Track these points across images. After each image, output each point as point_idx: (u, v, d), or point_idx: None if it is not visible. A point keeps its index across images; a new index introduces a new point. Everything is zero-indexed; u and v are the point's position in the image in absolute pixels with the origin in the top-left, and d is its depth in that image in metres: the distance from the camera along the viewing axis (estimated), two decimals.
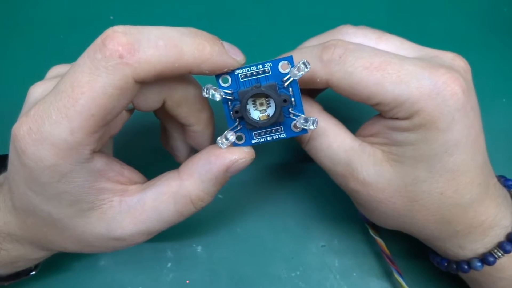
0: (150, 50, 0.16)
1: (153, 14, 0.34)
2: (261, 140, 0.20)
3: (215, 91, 0.18)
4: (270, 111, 0.19)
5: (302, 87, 0.20)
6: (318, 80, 0.20)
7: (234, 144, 0.20)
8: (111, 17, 0.34)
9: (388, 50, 0.20)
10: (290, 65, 0.19)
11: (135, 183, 0.20)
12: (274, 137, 0.20)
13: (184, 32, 0.17)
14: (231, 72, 0.19)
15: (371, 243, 0.27)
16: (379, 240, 0.25)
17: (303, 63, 0.18)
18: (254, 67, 0.19)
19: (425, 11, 0.34)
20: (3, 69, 0.32)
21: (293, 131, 0.20)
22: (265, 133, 0.20)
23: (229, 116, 0.19)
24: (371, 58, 0.19)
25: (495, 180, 0.21)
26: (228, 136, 0.19)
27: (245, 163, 0.19)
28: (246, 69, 0.19)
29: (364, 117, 0.23)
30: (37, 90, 0.19)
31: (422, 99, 0.18)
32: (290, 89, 0.19)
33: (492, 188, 0.21)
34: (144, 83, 0.17)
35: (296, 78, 0.18)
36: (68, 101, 0.16)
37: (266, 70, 0.19)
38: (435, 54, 0.20)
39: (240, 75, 0.19)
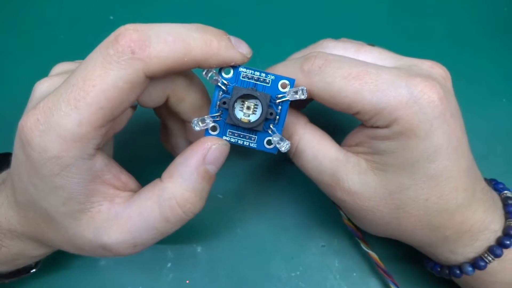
0: (160, 45, 0.17)
1: (153, 15, 0.34)
2: (232, 140, 0.20)
3: (215, 75, 0.19)
4: (253, 117, 0.20)
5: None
6: None
7: (206, 133, 0.20)
8: (111, 17, 0.34)
9: (367, 61, 0.20)
10: (289, 87, 0.19)
11: (129, 190, 0.20)
12: (245, 143, 0.20)
13: (191, 27, 0.18)
14: (236, 67, 0.19)
15: (370, 243, 0.27)
16: (372, 254, 0.25)
17: (302, 89, 0.19)
18: (258, 73, 0.20)
19: (425, 11, 0.34)
20: (3, 69, 0.32)
21: (264, 146, 0.20)
22: (239, 135, 0.20)
23: (215, 105, 0.20)
24: (349, 68, 0.19)
25: (483, 184, 0.21)
26: (205, 120, 0.19)
27: (220, 150, 0.19)
28: (250, 71, 0.19)
29: (350, 128, 0.23)
30: (43, 85, 0.20)
31: (399, 107, 0.18)
32: (280, 107, 0.20)
33: (480, 192, 0.21)
34: (154, 78, 0.18)
35: (290, 99, 0.19)
36: (78, 93, 0.16)
37: (267, 81, 0.20)
38: (414, 63, 0.21)
39: (242, 73, 0.20)
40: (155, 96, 0.19)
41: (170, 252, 0.27)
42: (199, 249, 0.27)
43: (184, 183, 0.19)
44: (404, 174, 0.19)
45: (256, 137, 0.20)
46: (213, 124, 0.20)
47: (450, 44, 0.33)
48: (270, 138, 0.20)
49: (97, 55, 0.17)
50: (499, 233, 0.21)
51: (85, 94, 0.16)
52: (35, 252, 0.22)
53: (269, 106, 0.20)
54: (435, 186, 0.19)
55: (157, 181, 0.20)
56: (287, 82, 0.19)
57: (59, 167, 0.17)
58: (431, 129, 0.18)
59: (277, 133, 0.20)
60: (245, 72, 0.19)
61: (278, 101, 0.20)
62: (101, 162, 0.18)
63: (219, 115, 0.20)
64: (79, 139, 0.17)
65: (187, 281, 0.26)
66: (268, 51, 0.32)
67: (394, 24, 0.34)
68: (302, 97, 0.19)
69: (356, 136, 0.21)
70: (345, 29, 0.34)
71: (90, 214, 0.19)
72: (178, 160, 0.19)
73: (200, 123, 0.19)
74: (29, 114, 0.17)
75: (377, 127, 0.19)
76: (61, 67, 0.22)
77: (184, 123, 0.22)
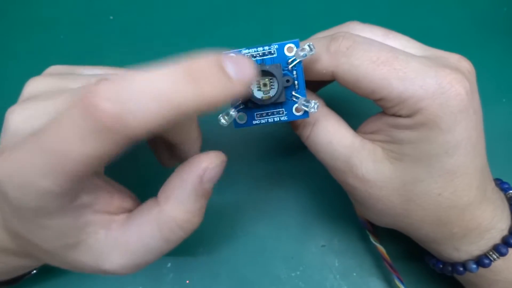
0: (141, 113, 0.14)
1: (153, 14, 0.34)
2: (262, 121, 0.20)
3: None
4: (273, 92, 0.19)
5: (308, 79, 0.20)
6: (324, 71, 0.20)
7: (235, 124, 0.20)
8: (111, 17, 0.34)
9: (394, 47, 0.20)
10: (295, 48, 0.19)
11: (124, 211, 0.19)
12: (276, 119, 0.20)
13: (177, 77, 0.14)
14: (237, 52, 0.19)
15: (371, 243, 0.27)
16: (380, 247, 0.25)
17: (308, 45, 0.18)
18: (261, 48, 0.19)
19: (425, 11, 0.34)
20: (3, 70, 0.32)
21: (295, 115, 0.20)
22: (267, 114, 0.20)
23: None
24: (378, 52, 0.19)
25: (494, 184, 0.21)
26: (230, 112, 0.19)
27: (218, 169, 0.18)
28: (253, 49, 0.19)
29: (366, 114, 0.23)
30: (16, 118, 0.18)
31: (426, 97, 0.18)
32: (294, 72, 0.19)
33: (490, 192, 0.21)
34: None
35: (300, 59, 0.19)
36: (54, 160, 0.14)
37: (272, 52, 0.19)
38: (441, 55, 0.20)
39: (247, 55, 0.19)
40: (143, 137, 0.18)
41: (170, 252, 0.27)
42: (199, 249, 0.27)
43: (182, 205, 0.18)
44: (420, 166, 0.19)
45: (283, 109, 0.20)
46: (238, 114, 0.20)
47: (450, 44, 0.33)
48: (298, 105, 0.20)
49: (70, 123, 0.14)
50: (505, 232, 0.21)
51: (63, 163, 0.14)
52: (34, 263, 0.21)
53: (284, 74, 0.19)
54: (449, 181, 0.19)
55: (153, 203, 0.18)
56: (291, 45, 0.19)
57: (42, 213, 0.16)
58: (455, 123, 0.18)
59: (301, 97, 0.19)
60: (249, 53, 0.19)
61: (290, 66, 0.19)
62: (89, 197, 0.17)
63: (240, 103, 0.20)
64: (59, 195, 0.15)
65: (187, 281, 0.26)
66: None
67: (394, 24, 0.34)
68: (311, 53, 0.18)
69: (374, 123, 0.21)
70: None
71: (88, 244, 0.18)
72: (173, 182, 0.18)
73: (225, 117, 0.19)
74: (3, 160, 0.15)
75: (399, 116, 0.19)
76: (34, 86, 0.20)
77: (171, 145, 0.21)
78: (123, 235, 0.18)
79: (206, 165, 0.18)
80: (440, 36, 0.33)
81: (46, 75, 0.21)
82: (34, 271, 0.24)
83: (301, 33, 0.33)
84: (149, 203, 0.19)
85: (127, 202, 0.19)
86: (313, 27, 0.34)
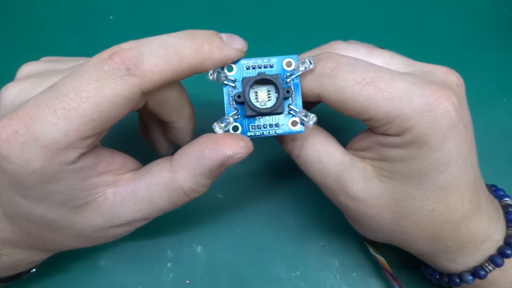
0: (153, 60, 0.17)
1: (153, 14, 0.34)
2: (257, 133, 0.20)
3: (221, 72, 0.19)
4: (270, 104, 0.19)
5: None
6: (310, 93, 0.19)
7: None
8: (111, 17, 0.34)
9: (379, 65, 0.20)
10: (294, 63, 0.19)
11: (128, 170, 0.20)
12: (271, 131, 0.20)
13: (181, 36, 0.17)
14: (236, 62, 0.19)
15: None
16: (380, 258, 0.24)
17: (308, 59, 0.19)
18: (260, 60, 0.19)
19: (425, 11, 0.34)
20: (2, 70, 0.32)
21: (290, 128, 0.20)
22: (263, 126, 0.20)
23: (229, 104, 0.19)
24: (363, 72, 0.18)
25: (488, 194, 0.21)
26: (225, 121, 0.19)
27: (241, 158, 0.19)
28: (252, 60, 0.19)
29: (357, 129, 0.22)
30: (11, 92, 0.19)
31: (414, 116, 0.18)
32: (292, 86, 0.19)
33: (484, 203, 0.21)
34: (150, 94, 0.17)
35: (299, 73, 0.19)
36: (69, 103, 0.16)
37: (271, 64, 0.19)
38: (427, 69, 0.20)
39: (245, 65, 0.19)
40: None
41: (170, 252, 0.27)
42: (199, 249, 0.27)
43: (194, 178, 0.19)
44: (411, 183, 0.19)
45: (279, 122, 0.20)
46: (234, 124, 0.19)
47: (450, 44, 0.33)
48: (294, 118, 0.19)
49: (91, 69, 0.16)
50: (500, 242, 0.20)
51: (77, 105, 0.16)
52: (36, 257, 0.22)
53: (283, 87, 0.19)
54: (442, 197, 0.19)
55: (166, 165, 0.19)
56: (290, 59, 0.19)
57: (47, 176, 0.16)
58: (444, 140, 0.18)
59: (300, 109, 0.19)
60: (248, 64, 0.19)
61: (288, 80, 0.19)
62: (90, 158, 0.18)
63: (236, 113, 0.19)
64: (63, 147, 0.16)
65: (187, 281, 0.26)
66: (268, 52, 0.32)
67: (394, 25, 0.34)
68: (311, 66, 0.19)
69: (363, 141, 0.21)
70: (345, 30, 0.34)
71: (96, 204, 0.19)
72: (193, 153, 0.19)
73: (221, 124, 0.19)
74: (3, 124, 0.16)
75: (388, 134, 0.19)
76: (28, 69, 0.21)
77: (163, 123, 0.21)
78: (131, 194, 0.19)
79: (232, 154, 0.18)
80: (440, 36, 0.33)
81: (40, 61, 0.22)
82: (33, 270, 0.24)
83: (301, 35, 0.33)
84: (162, 164, 0.19)
85: (130, 162, 0.20)
86: (312, 29, 0.34)
